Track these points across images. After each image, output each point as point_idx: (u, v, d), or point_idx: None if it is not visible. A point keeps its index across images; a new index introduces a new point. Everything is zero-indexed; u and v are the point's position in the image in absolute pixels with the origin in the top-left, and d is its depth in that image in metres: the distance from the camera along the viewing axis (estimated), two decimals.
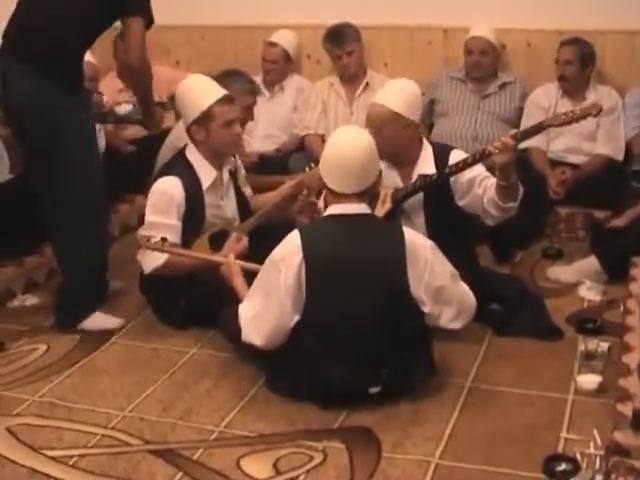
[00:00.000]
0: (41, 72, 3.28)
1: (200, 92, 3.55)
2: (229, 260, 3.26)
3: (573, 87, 4.65)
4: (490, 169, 3.46)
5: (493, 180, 3.37)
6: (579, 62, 4.59)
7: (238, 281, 3.18)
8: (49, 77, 3.27)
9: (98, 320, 3.58)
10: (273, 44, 5.18)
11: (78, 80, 3.45)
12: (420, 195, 3.54)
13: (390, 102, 3.47)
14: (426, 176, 3.51)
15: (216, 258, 3.37)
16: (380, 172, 3.04)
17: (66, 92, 3.32)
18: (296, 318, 2.92)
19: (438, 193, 3.50)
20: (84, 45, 3.48)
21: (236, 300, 3.09)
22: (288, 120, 5.21)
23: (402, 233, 2.97)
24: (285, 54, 5.20)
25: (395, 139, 3.47)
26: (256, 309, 2.97)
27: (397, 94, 3.50)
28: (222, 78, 3.81)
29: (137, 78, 3.56)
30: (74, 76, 3.41)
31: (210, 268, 3.42)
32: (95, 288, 3.62)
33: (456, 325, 3.06)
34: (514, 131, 3.47)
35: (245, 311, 3.00)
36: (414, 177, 3.54)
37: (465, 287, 3.06)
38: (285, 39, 5.21)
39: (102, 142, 4.50)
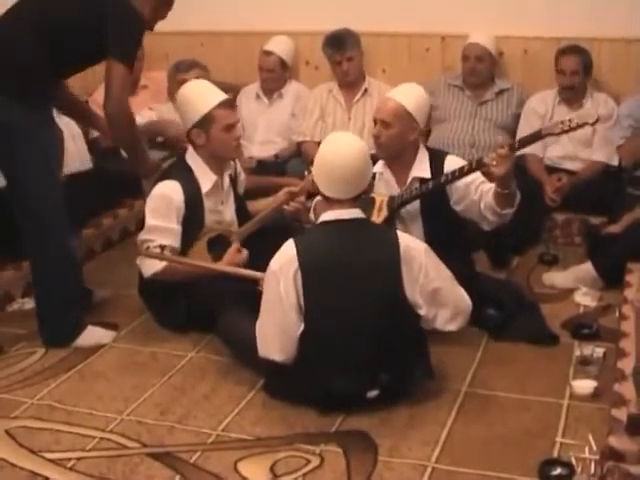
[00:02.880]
0: (5, 88, 3.19)
1: (201, 96, 3.57)
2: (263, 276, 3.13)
3: (572, 95, 4.68)
4: (485, 174, 3.39)
5: (490, 185, 3.36)
6: (583, 72, 4.61)
7: None
8: (13, 93, 3.18)
9: (92, 337, 3.50)
10: (269, 53, 5.18)
11: (44, 98, 3.31)
12: (417, 202, 3.55)
13: (406, 102, 3.51)
14: (422, 183, 3.52)
15: (250, 273, 3.36)
16: (374, 175, 3.04)
17: (30, 109, 3.20)
18: (302, 326, 2.92)
19: (435, 199, 3.51)
20: (56, 68, 3.31)
21: None
22: (286, 126, 5.22)
23: (396, 237, 2.98)
24: (281, 62, 5.20)
25: (400, 138, 3.51)
26: (263, 322, 2.98)
27: (412, 96, 3.56)
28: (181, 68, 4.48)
29: (115, 128, 3.34)
30: (40, 95, 3.27)
31: (209, 274, 3.45)
32: (76, 303, 3.50)
33: (452, 327, 3.07)
34: (509, 142, 3.47)
35: (257, 326, 3.01)
36: (409, 180, 3.56)
37: (460, 289, 3.07)
38: (280, 47, 5.20)
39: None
